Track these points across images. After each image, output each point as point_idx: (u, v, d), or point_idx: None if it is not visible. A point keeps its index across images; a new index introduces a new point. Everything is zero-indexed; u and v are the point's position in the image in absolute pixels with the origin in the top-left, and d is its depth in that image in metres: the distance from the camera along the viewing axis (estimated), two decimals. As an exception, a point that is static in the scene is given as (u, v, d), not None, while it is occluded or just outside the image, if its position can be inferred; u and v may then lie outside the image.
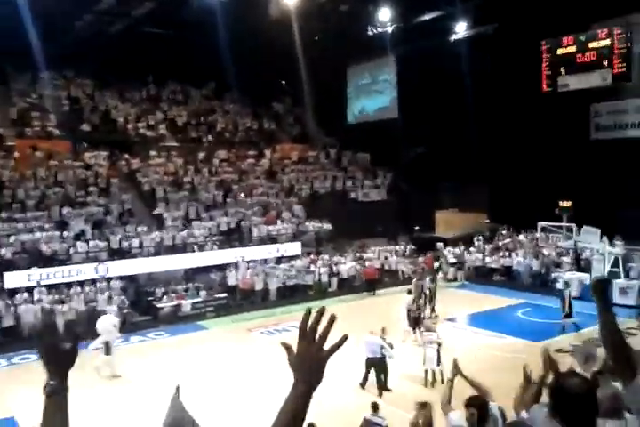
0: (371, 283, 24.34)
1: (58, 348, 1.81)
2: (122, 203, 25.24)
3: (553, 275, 23.17)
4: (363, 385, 13.84)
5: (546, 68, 25.34)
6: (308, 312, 1.80)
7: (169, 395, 3.12)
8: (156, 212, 25.44)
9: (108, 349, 15.09)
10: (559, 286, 20.61)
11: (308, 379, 1.74)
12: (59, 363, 1.81)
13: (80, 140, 27.99)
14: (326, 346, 1.76)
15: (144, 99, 32.62)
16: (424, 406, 5.95)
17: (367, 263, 25.40)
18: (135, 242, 23.11)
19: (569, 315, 17.95)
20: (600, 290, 2.90)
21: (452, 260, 26.73)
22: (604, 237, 22.39)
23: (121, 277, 21.62)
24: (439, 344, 13.69)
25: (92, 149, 27.94)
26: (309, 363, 1.75)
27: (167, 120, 31.51)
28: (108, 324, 15.56)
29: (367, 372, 13.76)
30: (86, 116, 29.39)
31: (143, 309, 21.30)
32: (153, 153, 29.26)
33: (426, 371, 13.66)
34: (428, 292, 20.26)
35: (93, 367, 14.50)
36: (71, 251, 21.66)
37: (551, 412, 2.55)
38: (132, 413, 12.50)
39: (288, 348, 1.77)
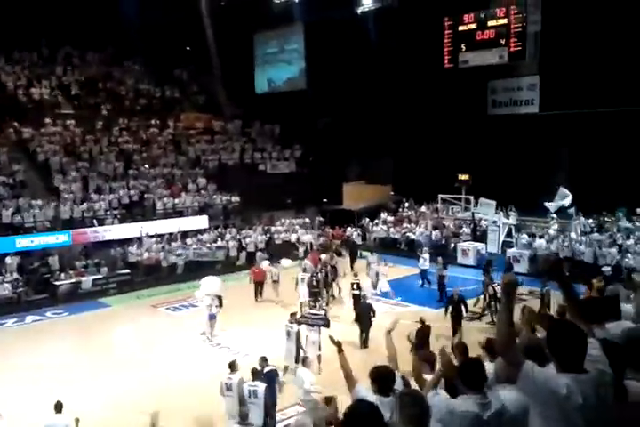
0: (258, 285, 19.65)
1: None
2: (13, 174, 23.62)
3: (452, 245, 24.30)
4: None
5: (447, 44, 25.98)
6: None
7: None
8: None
9: (221, 302, 16.56)
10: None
11: None
12: None
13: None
14: None
15: (36, 62, 30.34)
16: (329, 401, 5.84)
17: (256, 265, 20.99)
18: (28, 216, 21.82)
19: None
20: (509, 291, 3.06)
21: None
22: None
23: (14, 254, 20.41)
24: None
25: (-23, 115, 25.80)
26: None
27: (62, 86, 29.55)
28: (214, 283, 16.90)
29: None
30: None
31: (39, 286, 20.24)
32: (47, 121, 27.44)
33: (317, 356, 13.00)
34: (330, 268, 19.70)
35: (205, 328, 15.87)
36: (-44, 227, 20.15)
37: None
38: (26, 400, 11.96)
39: None
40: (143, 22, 27.26)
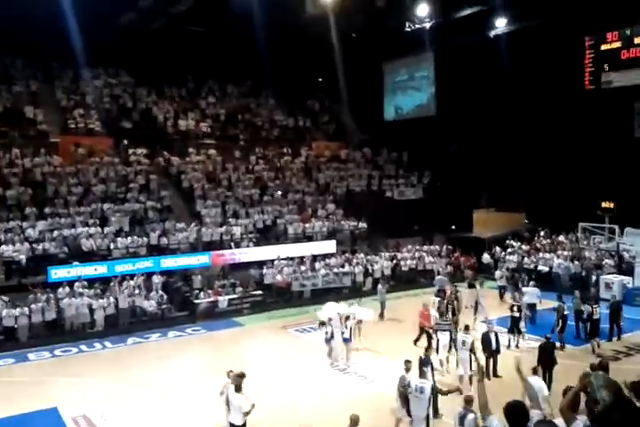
0: (423, 331, 16.94)
1: None
2: (161, 199, 25.65)
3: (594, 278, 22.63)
4: None
5: (589, 64, 24.76)
6: None
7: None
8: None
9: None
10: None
11: None
12: None
13: (121, 136, 28.50)
14: None
15: (183, 96, 33.02)
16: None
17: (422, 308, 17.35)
18: (173, 238, 23.51)
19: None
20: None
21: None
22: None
23: (160, 273, 22.01)
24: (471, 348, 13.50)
25: (132, 145, 28.44)
26: None
27: (205, 117, 31.85)
28: (335, 310, 16.76)
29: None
30: (127, 113, 29.90)
31: (180, 304, 21.61)
32: (191, 150, 29.64)
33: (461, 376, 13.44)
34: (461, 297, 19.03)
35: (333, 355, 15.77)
36: (111, 246, 22.14)
37: None
38: (170, 410, 12.71)
39: None
40: (277, 55, 28.81)
